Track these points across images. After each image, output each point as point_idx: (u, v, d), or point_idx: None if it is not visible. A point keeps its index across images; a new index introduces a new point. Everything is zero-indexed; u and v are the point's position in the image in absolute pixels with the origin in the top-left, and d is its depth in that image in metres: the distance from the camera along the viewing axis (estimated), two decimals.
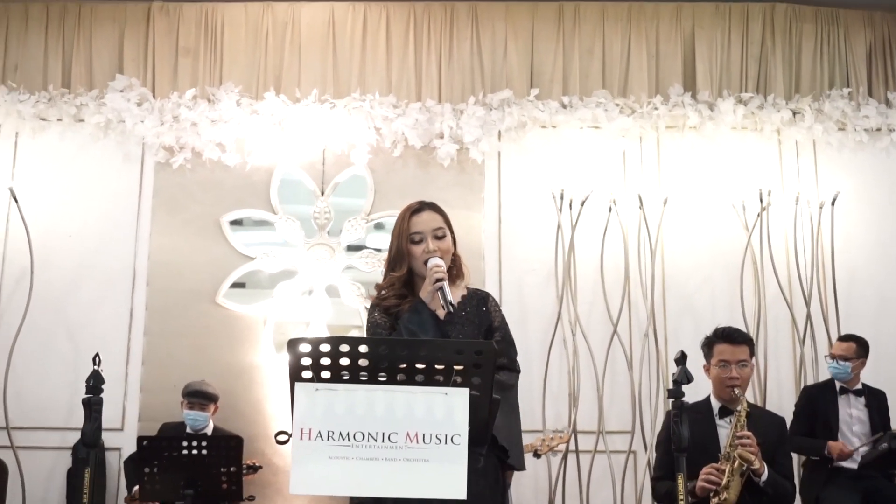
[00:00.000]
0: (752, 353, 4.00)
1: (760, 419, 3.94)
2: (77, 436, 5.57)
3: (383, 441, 2.24)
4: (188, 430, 5.16)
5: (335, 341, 2.26)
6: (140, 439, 4.51)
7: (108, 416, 5.60)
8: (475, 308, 3.09)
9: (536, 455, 4.98)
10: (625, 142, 6.01)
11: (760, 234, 5.82)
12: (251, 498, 4.68)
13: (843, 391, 4.97)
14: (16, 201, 5.72)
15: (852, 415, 4.94)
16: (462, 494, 2.23)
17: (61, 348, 5.74)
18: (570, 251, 5.81)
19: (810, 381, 5.58)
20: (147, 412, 5.65)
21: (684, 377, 2.92)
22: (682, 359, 2.96)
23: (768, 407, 5.54)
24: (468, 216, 5.95)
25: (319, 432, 2.24)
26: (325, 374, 2.29)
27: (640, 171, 6.00)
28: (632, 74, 6.22)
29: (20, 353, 5.63)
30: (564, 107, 6.03)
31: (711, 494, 3.70)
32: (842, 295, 5.79)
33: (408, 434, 2.25)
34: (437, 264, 2.95)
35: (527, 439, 5.07)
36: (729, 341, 3.91)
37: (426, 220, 3.08)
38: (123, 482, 5.47)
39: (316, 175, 6.00)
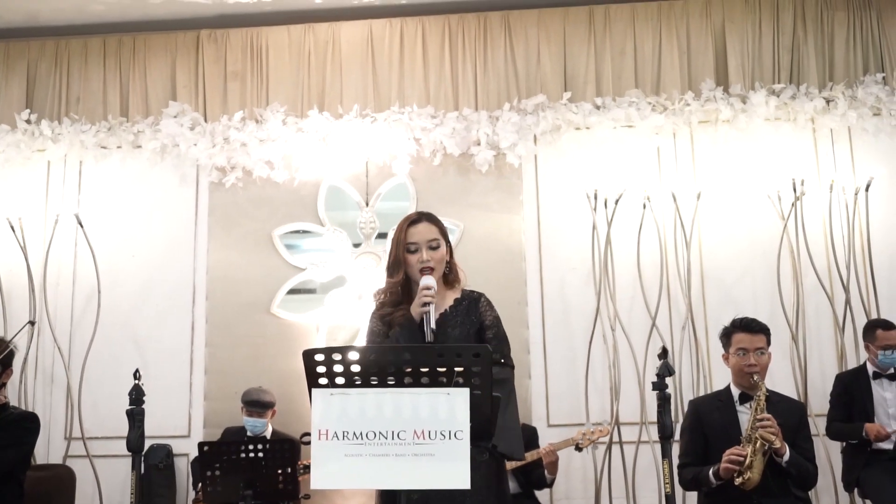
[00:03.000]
0: (769, 342, 4.13)
1: (779, 404, 4.09)
2: (147, 444, 5.95)
3: (393, 438, 2.47)
4: (248, 434, 5.47)
5: (345, 350, 2.50)
6: (201, 444, 4.80)
7: (175, 424, 6.03)
8: (466, 309, 3.31)
9: (578, 448, 5.17)
10: (658, 139, 6.14)
11: (796, 223, 5.90)
12: (306, 496, 4.94)
13: (877, 376, 5.05)
14: (81, 226, 6.11)
15: (887, 398, 5.00)
16: (466, 484, 2.44)
17: (130, 361, 6.04)
18: (607, 249, 5.96)
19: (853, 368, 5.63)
20: (211, 418, 5.99)
21: (666, 370, 3.09)
22: (663, 353, 3.14)
23: (812, 397, 5.67)
24: (508, 219, 6.17)
25: (336, 433, 2.48)
26: (340, 381, 2.53)
27: (674, 167, 6.13)
28: (664, 72, 6.35)
29: (93, 367, 6.02)
30: (598, 108, 6.19)
31: (735, 475, 3.86)
32: (880, 280, 5.83)
33: (415, 431, 2.47)
34: (428, 286, 3.16)
35: (571, 433, 5.32)
36: (746, 330, 4.07)
37: (422, 232, 3.32)
38: (191, 486, 5.81)
39: (360, 186, 6.27)
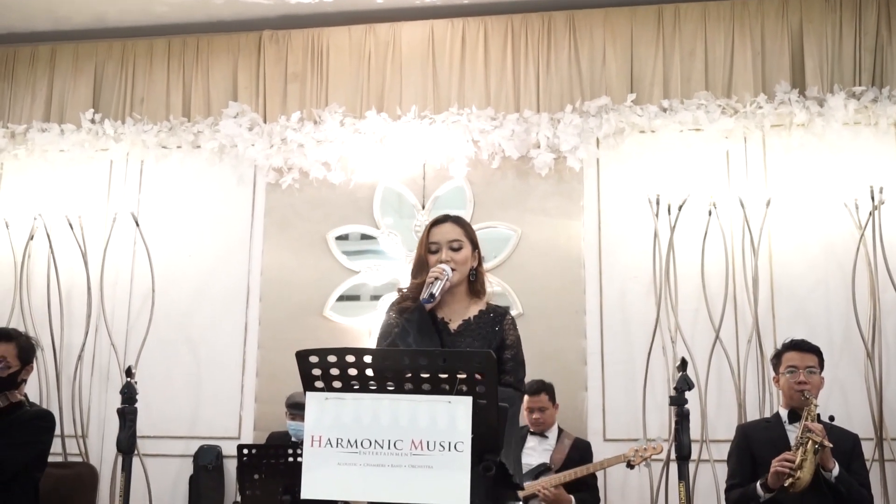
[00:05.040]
0: (822, 365, 3.90)
1: (831, 432, 3.83)
2: (198, 444, 5.95)
3: (389, 448, 2.32)
4: (292, 438, 5.38)
5: (341, 352, 2.36)
6: (240, 447, 4.72)
7: (226, 426, 6.01)
8: (490, 322, 3.14)
9: (630, 466, 4.94)
10: (727, 143, 5.85)
11: (874, 233, 5.54)
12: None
13: None
14: (137, 225, 6.13)
15: None
16: (465, 500, 2.28)
17: (183, 362, 6.10)
18: (669, 256, 5.70)
19: None
20: (261, 421, 5.93)
21: (685, 384, 2.87)
22: (682, 366, 2.92)
23: (888, 420, 5.33)
24: (567, 225, 5.97)
25: (329, 440, 2.35)
26: (337, 384, 2.39)
27: (744, 173, 5.83)
28: (736, 74, 6.04)
29: (145, 366, 5.96)
30: (664, 110, 5.93)
31: (786, 479, 3.65)
32: None
33: (413, 441, 2.32)
34: (443, 268, 3.04)
35: (625, 448, 5.09)
36: (797, 349, 3.91)
37: (444, 232, 3.20)
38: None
39: (417, 189, 6.15)
